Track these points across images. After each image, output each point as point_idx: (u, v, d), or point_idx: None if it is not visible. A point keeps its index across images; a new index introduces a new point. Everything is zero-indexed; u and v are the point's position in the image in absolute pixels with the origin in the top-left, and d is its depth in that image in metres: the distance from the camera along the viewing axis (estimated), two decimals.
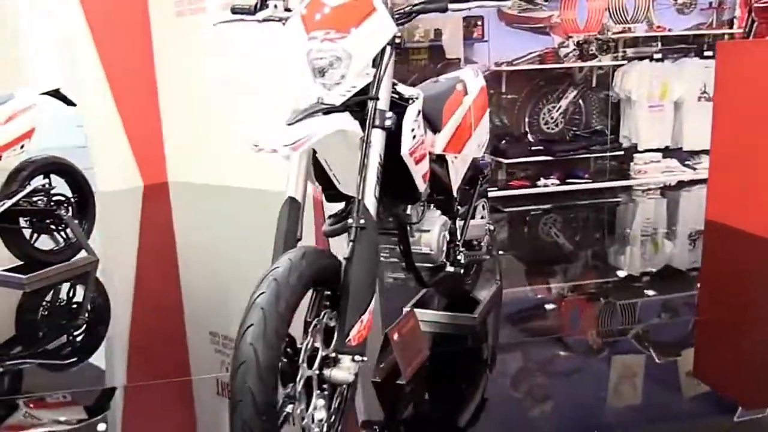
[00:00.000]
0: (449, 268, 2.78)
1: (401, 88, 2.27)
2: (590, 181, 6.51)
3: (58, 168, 4.22)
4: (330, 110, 2.04)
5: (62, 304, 4.05)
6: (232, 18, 2.50)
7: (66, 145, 7.64)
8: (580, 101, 6.67)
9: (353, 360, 1.97)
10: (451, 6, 2.19)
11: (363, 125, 2.07)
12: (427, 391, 2.73)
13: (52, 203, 4.16)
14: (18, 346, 3.49)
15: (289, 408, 1.83)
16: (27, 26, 7.22)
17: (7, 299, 4.04)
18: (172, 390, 2.85)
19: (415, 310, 3.23)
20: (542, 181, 6.41)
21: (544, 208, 5.97)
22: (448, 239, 2.72)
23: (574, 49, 6.44)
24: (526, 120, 6.58)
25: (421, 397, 2.68)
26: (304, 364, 1.88)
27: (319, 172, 2.35)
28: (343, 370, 1.96)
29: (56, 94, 4.15)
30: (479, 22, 6.26)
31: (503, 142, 6.49)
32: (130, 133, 7.02)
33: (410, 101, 2.25)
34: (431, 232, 2.59)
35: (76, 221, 4.30)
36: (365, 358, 2.00)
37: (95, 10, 6.63)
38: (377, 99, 2.08)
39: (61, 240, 4.32)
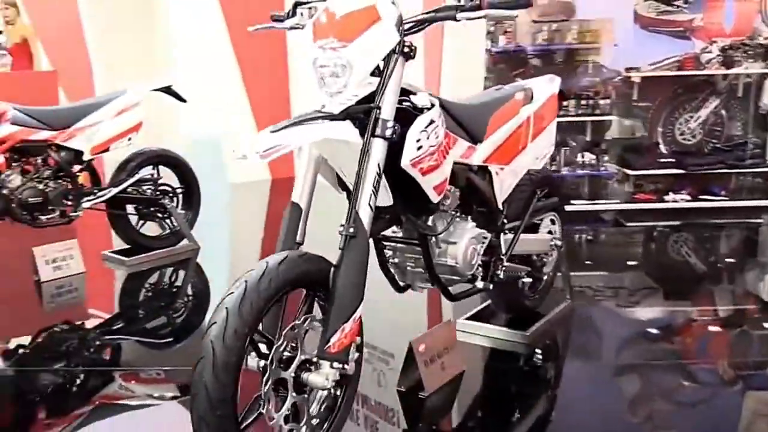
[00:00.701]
0: (479, 283, 2.69)
1: (417, 97, 2.23)
2: (727, 198, 6.03)
3: (166, 160, 4.51)
4: (331, 118, 2.05)
5: (164, 287, 4.31)
6: (265, 25, 2.58)
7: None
8: (723, 111, 6.18)
9: (332, 367, 1.97)
10: (459, 15, 2.14)
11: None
12: (449, 407, 2.66)
13: (158, 192, 4.45)
14: (119, 323, 3.77)
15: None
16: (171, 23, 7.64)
17: (113, 280, 4.37)
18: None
19: (466, 322, 3.19)
20: (671, 196, 6.01)
21: (672, 224, 5.62)
22: (480, 252, 2.63)
23: (718, 55, 5.97)
24: (659, 130, 6.20)
25: (442, 413, 2.61)
26: (275, 366, 1.91)
27: (341, 180, 2.38)
28: (320, 376, 1.97)
29: (168, 90, 4.42)
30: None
31: (631, 151, 6.16)
32: (262, 128, 7.32)
33: (424, 111, 2.21)
34: (458, 244, 2.52)
35: (182, 211, 4.59)
36: (347, 367, 2.00)
37: (234, 10, 6.97)
38: (378, 108, 2.07)
39: (166, 227, 4.61)
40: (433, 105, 2.23)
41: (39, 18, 8.08)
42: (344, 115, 2.07)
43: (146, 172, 4.44)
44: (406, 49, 2.12)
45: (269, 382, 1.91)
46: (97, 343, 3.41)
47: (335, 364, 1.97)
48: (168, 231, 4.61)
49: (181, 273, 4.45)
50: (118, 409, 2.73)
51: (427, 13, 2.19)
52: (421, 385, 2.60)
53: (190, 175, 4.65)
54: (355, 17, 2.06)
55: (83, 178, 4.27)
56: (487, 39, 5.64)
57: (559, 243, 3.23)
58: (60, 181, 4.08)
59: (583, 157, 6.02)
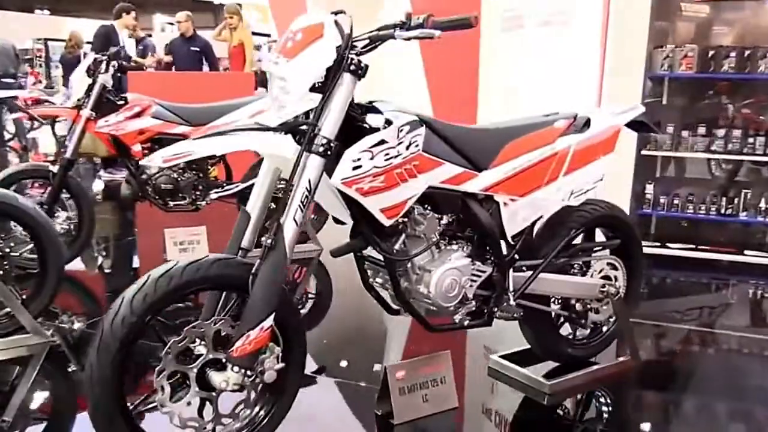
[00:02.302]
0: (456, 317, 2.55)
1: (374, 117, 2.20)
2: None
3: None
4: (273, 130, 2.12)
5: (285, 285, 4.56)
6: None
7: None
8: None
9: (233, 370, 2.03)
10: (397, 34, 2.10)
11: None
12: None
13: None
14: None
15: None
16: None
17: None
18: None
19: (498, 359, 3.04)
20: None
21: None
22: (467, 286, 2.49)
23: None
24: None
25: None
26: (170, 358, 2.02)
27: None
28: (220, 376, 2.05)
29: None
30: None
31: None
32: None
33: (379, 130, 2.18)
34: (432, 272, 2.42)
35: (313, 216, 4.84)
36: (249, 373, 2.05)
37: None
38: (314, 125, 2.08)
39: None
40: (388, 125, 2.19)
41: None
42: (287, 128, 2.13)
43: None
44: (353, 67, 2.10)
45: (162, 373, 2.01)
46: None
47: (235, 368, 2.03)
48: None
49: (304, 271, 4.66)
50: None
51: (371, 32, 2.16)
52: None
53: None
54: (302, 35, 2.11)
55: (216, 171, 4.66)
56: (664, 63, 5.20)
57: (613, 291, 2.93)
58: (192, 172, 4.49)
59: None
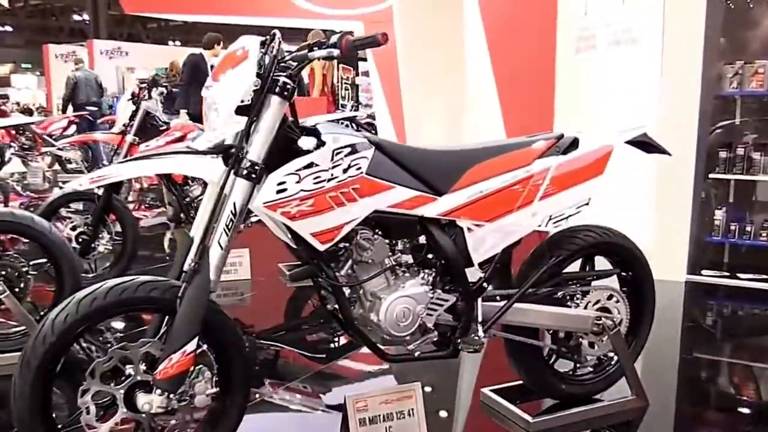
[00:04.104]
0: (411, 347, 2.44)
1: (305, 139, 2.17)
2: None
3: None
4: (204, 153, 2.14)
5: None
6: None
7: None
8: None
9: (157, 393, 2.04)
10: (311, 54, 2.09)
11: None
12: None
13: None
14: (281, 333, 4.09)
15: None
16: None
17: (278, 291, 4.73)
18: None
19: (488, 393, 2.91)
20: None
21: None
22: (422, 314, 2.39)
23: None
24: None
25: None
26: (94, 379, 2.04)
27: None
28: (144, 398, 2.06)
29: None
30: None
31: None
32: None
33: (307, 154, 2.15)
34: (383, 300, 2.33)
35: None
36: (172, 396, 2.06)
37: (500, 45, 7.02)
38: (241, 147, 2.08)
39: None
40: (320, 147, 2.15)
41: None
42: (216, 152, 2.14)
43: None
44: (277, 89, 2.09)
45: (86, 393, 2.04)
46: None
47: (158, 391, 2.04)
48: None
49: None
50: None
51: (294, 52, 2.14)
52: None
53: None
54: (230, 58, 2.12)
55: None
56: (733, 81, 4.86)
57: (610, 324, 2.73)
58: None
59: None
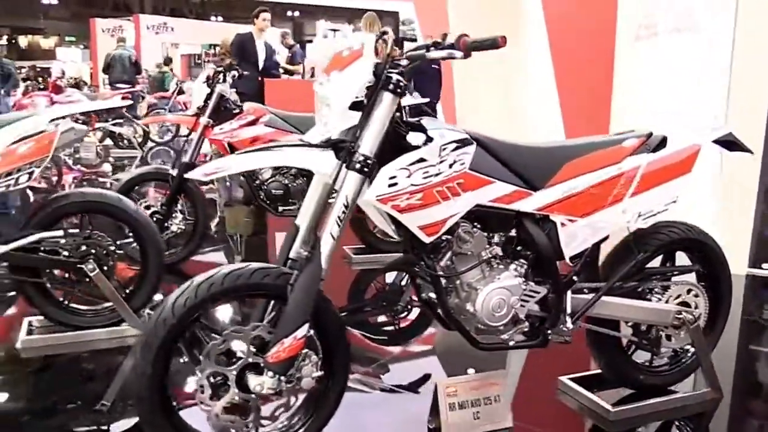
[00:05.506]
0: (504, 336, 2.51)
1: (413, 135, 2.24)
2: None
3: None
4: (315, 146, 2.23)
5: (387, 287, 4.65)
6: None
7: None
8: None
9: (269, 375, 2.14)
10: (428, 55, 2.15)
11: None
12: None
13: None
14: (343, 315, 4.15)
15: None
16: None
17: (344, 274, 4.82)
18: None
19: (567, 381, 2.99)
20: None
21: None
22: (517, 306, 2.46)
23: None
24: None
25: None
26: (211, 360, 2.15)
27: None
28: (256, 380, 2.16)
29: None
30: None
31: None
32: None
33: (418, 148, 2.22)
34: (479, 291, 2.41)
35: None
36: (283, 379, 2.15)
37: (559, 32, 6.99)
38: (353, 142, 2.16)
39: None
40: (427, 145, 2.22)
41: None
42: (329, 145, 2.22)
43: None
44: (391, 86, 2.16)
45: (203, 373, 2.15)
46: None
47: (269, 373, 2.14)
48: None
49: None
50: None
51: (408, 51, 2.21)
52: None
53: None
54: (344, 56, 2.20)
55: None
56: None
57: (690, 318, 2.79)
58: (303, 178, 4.69)
59: None
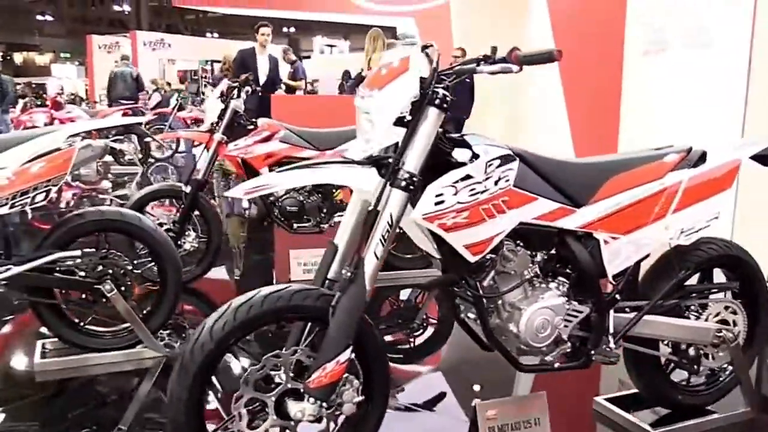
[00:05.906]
0: (548, 358, 2.43)
1: (460, 151, 2.16)
2: None
3: None
4: (358, 163, 2.15)
5: (404, 306, 4.59)
6: None
7: None
8: None
9: (309, 401, 2.05)
10: (479, 68, 2.08)
11: None
12: None
13: None
14: None
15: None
16: None
17: None
18: None
19: (603, 402, 2.91)
20: None
21: None
22: (560, 326, 2.38)
23: None
24: None
25: None
26: (249, 386, 2.07)
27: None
28: (297, 406, 2.07)
29: None
30: None
31: None
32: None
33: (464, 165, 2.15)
34: (523, 311, 2.33)
35: None
36: (324, 404, 2.07)
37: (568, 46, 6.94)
38: (398, 159, 2.08)
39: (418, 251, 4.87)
40: (473, 162, 2.14)
41: None
42: (371, 162, 2.14)
43: None
44: (437, 101, 2.09)
45: (240, 400, 2.07)
46: None
47: (311, 399, 2.05)
48: (419, 254, 4.85)
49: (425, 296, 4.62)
50: None
51: (456, 65, 2.14)
52: None
53: None
54: (388, 69, 2.12)
55: (341, 195, 4.75)
56: None
57: (731, 337, 2.72)
58: (317, 195, 4.61)
59: None
